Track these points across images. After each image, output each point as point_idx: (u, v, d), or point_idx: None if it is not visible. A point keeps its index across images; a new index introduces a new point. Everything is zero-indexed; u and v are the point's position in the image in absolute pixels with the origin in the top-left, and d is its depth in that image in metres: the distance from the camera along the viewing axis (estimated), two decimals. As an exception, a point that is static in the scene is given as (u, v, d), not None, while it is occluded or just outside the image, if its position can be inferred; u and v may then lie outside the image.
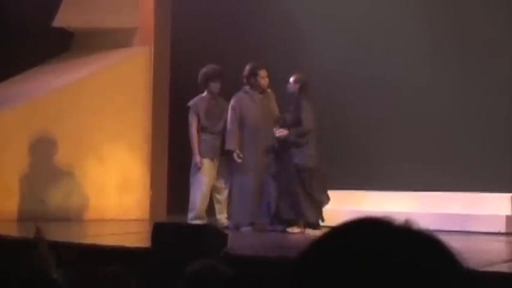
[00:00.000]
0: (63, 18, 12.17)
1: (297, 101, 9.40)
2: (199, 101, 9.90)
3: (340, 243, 1.15)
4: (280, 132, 9.38)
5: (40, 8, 11.73)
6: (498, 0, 10.25)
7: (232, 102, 9.80)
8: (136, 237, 8.98)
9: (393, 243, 1.13)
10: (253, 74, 9.73)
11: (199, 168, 9.76)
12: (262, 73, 9.75)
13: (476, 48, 10.13)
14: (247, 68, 9.79)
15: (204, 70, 9.89)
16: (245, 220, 9.57)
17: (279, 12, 11.07)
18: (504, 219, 9.33)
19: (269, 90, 9.86)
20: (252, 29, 11.41)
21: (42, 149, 10.80)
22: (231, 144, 9.68)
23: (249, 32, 11.46)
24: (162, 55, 12.11)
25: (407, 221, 1.17)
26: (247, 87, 9.82)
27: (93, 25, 12.14)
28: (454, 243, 1.22)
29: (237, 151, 9.64)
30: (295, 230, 9.19)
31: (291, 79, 9.48)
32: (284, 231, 9.19)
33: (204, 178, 9.76)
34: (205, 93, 9.93)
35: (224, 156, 9.88)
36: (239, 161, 9.61)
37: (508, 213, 9.42)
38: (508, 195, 9.53)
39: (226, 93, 9.98)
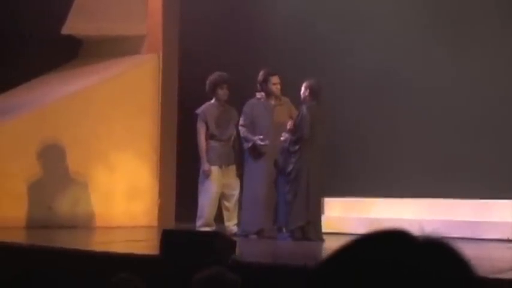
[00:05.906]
0: (72, 26, 12.20)
1: (300, 108, 9.41)
2: (207, 109, 9.90)
3: (363, 255, 1.15)
4: (282, 137, 9.40)
5: (49, 15, 11.75)
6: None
7: (244, 108, 9.79)
8: (145, 245, 8.98)
9: (415, 255, 1.14)
10: (265, 80, 9.71)
11: (207, 176, 9.75)
12: (274, 79, 9.69)
13: (489, 58, 10.07)
14: (260, 73, 9.76)
15: (211, 77, 9.88)
16: (254, 227, 9.56)
17: (289, 18, 11.02)
18: (513, 226, 9.30)
19: (285, 98, 9.76)
20: (262, 35, 11.38)
21: (50, 157, 10.81)
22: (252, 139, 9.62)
23: (258, 38, 11.43)
24: (171, 62, 12.11)
25: (429, 233, 1.18)
26: (260, 94, 9.79)
27: (102, 32, 12.15)
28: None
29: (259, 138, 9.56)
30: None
31: (303, 85, 9.46)
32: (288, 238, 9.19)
33: (213, 185, 9.74)
34: (213, 101, 9.92)
35: (233, 164, 9.88)
36: (262, 143, 9.52)
37: (517, 220, 9.39)
38: (517, 202, 9.49)
39: (236, 100, 9.97)
